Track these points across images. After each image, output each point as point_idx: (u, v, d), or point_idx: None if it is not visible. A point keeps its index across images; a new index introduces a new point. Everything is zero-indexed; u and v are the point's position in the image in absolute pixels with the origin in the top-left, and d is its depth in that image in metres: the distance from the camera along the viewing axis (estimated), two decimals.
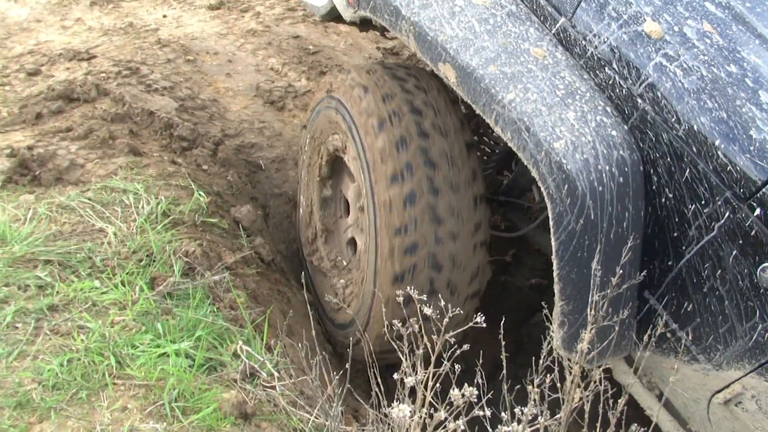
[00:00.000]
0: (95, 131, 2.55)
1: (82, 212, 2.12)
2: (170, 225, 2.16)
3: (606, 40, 1.56)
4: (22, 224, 2.03)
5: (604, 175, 1.47)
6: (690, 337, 1.53)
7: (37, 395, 1.53)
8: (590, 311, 1.46)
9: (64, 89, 2.77)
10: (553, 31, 1.67)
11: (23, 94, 2.81)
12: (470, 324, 1.42)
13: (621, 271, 1.47)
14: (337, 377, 1.67)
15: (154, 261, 2.00)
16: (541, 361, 1.46)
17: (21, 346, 1.65)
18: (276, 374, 1.77)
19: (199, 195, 2.35)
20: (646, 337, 1.53)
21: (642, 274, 1.54)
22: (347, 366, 1.68)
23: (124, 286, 1.88)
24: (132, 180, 2.31)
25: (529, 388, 1.42)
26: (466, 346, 1.44)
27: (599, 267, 1.46)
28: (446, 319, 1.41)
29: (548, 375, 1.44)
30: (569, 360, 1.51)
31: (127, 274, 1.92)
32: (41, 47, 3.43)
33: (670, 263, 1.54)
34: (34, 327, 1.70)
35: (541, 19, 1.70)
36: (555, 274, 1.54)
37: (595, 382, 1.44)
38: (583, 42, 1.61)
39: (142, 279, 1.92)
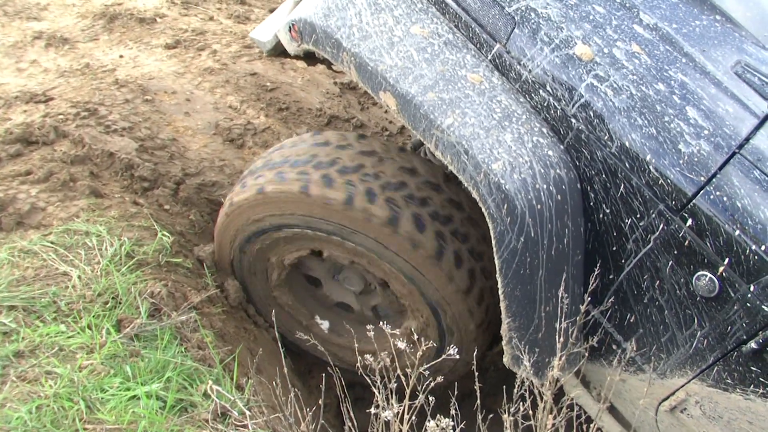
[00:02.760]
0: (55, 174, 2.55)
1: (45, 256, 2.12)
2: (134, 266, 2.17)
3: (539, 64, 1.61)
4: None
5: (542, 193, 1.51)
6: (634, 348, 1.57)
7: None
8: (559, 335, 1.48)
9: (22, 132, 2.75)
10: (489, 57, 1.72)
11: None
12: (443, 356, 1.45)
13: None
14: (311, 413, 1.69)
15: (120, 303, 2.00)
16: (515, 390, 1.47)
17: None
18: (248, 413, 1.77)
19: (163, 235, 2.36)
20: (615, 361, 1.55)
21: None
22: (320, 402, 1.69)
23: (91, 329, 1.88)
24: (94, 222, 2.31)
25: (504, 416, 1.43)
26: (440, 378, 1.47)
27: (545, 284, 1.51)
28: (419, 353, 1.44)
29: (522, 403, 1.45)
30: (522, 378, 1.53)
31: (93, 317, 1.92)
32: None
33: (611, 276, 1.58)
34: (0, 374, 1.70)
35: (477, 46, 1.74)
36: (500, 291, 1.57)
37: (566, 408, 1.46)
38: (518, 66, 1.66)
39: (108, 322, 1.92)
